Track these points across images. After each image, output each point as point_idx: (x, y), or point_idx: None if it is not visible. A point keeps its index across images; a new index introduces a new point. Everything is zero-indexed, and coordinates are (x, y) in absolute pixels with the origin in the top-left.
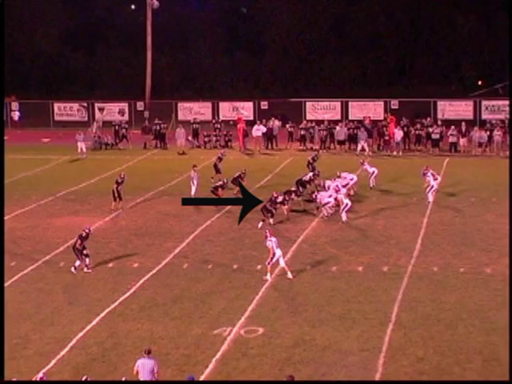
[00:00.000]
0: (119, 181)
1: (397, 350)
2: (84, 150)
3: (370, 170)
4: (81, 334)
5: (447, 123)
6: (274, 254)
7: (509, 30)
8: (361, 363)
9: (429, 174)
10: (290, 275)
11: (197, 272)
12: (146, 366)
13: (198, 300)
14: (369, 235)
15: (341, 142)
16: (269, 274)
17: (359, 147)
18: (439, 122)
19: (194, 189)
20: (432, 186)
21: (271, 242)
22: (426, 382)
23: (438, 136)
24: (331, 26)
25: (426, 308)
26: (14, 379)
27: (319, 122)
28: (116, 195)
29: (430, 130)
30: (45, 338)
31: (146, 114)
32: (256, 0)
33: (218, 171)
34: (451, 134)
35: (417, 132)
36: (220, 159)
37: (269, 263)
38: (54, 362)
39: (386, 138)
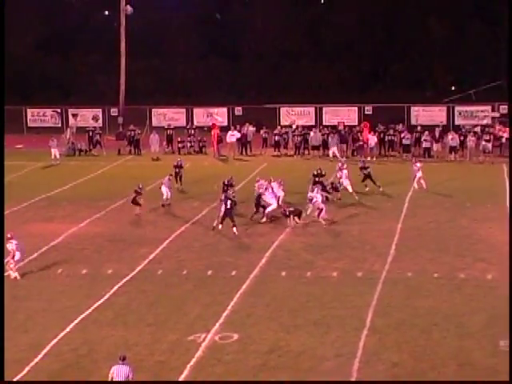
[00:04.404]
0: (138, 191)
1: (372, 355)
2: (57, 156)
3: (343, 179)
4: (55, 341)
5: (422, 129)
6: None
7: (509, 32)
8: (336, 369)
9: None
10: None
11: (171, 278)
12: (120, 372)
13: (172, 306)
14: (343, 241)
15: (315, 148)
16: (16, 274)
17: (331, 153)
18: (419, 128)
19: (165, 194)
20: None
21: (11, 245)
22: (429, 382)
23: (408, 142)
24: (305, 32)
25: (400, 313)
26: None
27: (293, 128)
28: (138, 203)
29: (402, 135)
30: (19, 345)
31: (120, 119)
32: (231, 6)
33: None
34: (425, 140)
35: (389, 138)
36: (180, 167)
37: (7, 262)
38: (27, 369)
39: (360, 143)
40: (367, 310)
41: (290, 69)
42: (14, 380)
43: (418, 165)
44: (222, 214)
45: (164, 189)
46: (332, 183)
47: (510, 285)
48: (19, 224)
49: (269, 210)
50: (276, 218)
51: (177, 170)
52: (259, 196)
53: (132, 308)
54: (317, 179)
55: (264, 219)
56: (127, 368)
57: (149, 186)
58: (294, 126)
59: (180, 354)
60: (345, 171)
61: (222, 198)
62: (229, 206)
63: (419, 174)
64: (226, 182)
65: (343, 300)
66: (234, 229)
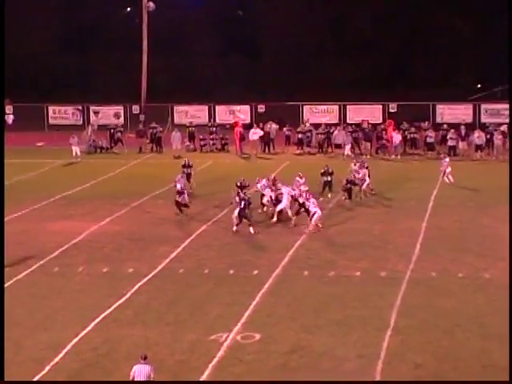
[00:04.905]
0: (180, 190)
1: (394, 356)
2: (78, 153)
3: (362, 176)
4: (75, 340)
5: (447, 127)
6: None
7: (509, 35)
8: (358, 370)
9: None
10: None
11: (192, 277)
12: (142, 371)
13: (193, 305)
14: (366, 240)
15: (338, 146)
16: None
17: (345, 151)
18: (444, 126)
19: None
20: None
21: None
22: (425, 382)
23: (432, 140)
24: (327, 28)
25: (423, 313)
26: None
27: (317, 126)
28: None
29: (426, 133)
30: (38, 344)
31: (142, 117)
32: (251, 3)
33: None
34: (450, 138)
35: (411, 135)
36: (188, 166)
37: None
38: (48, 368)
39: (383, 141)
40: (390, 310)
41: (311, 66)
42: (34, 380)
43: (447, 159)
44: (236, 215)
45: (179, 187)
46: (347, 179)
47: (510, 285)
48: (39, 222)
49: (279, 207)
50: (291, 218)
51: (186, 170)
52: (263, 195)
53: (152, 307)
54: (325, 178)
55: (274, 219)
56: (149, 367)
57: (169, 185)
58: (307, 124)
59: (200, 353)
60: (364, 170)
61: (237, 200)
62: (243, 206)
63: (448, 170)
64: (238, 184)
65: (365, 300)
66: (251, 228)
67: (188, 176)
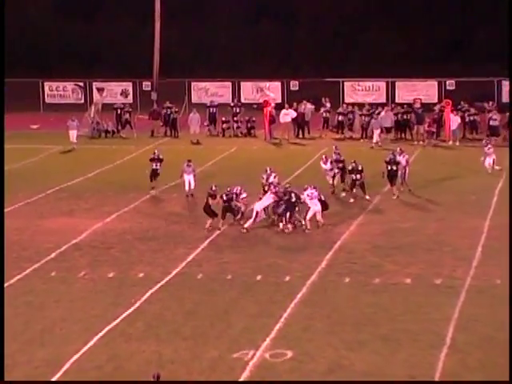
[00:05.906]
0: (211, 193)
1: (451, 377)
2: (75, 139)
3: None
4: (76, 357)
5: None
6: None
7: (509, 32)
8: None
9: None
10: None
11: (213, 284)
12: None
13: (214, 317)
14: (417, 241)
15: (386, 130)
16: None
17: (375, 137)
18: None
19: (187, 184)
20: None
21: None
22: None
23: (496, 123)
24: None
25: (485, 328)
26: None
27: (360, 106)
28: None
29: (489, 115)
30: (34, 361)
31: (154, 95)
32: None
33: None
34: None
35: (472, 118)
36: (159, 161)
37: None
38: None
39: (425, 126)
40: (446, 324)
41: (353, 36)
42: None
43: (490, 146)
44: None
45: (186, 177)
46: (385, 161)
47: (510, 286)
48: (35, 218)
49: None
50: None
51: (155, 166)
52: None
53: (166, 318)
54: (353, 176)
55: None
56: None
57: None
58: (328, 105)
59: (223, 373)
60: (406, 156)
61: (286, 196)
62: (294, 200)
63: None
64: (225, 198)
65: (417, 312)
66: (281, 224)
67: (155, 174)
